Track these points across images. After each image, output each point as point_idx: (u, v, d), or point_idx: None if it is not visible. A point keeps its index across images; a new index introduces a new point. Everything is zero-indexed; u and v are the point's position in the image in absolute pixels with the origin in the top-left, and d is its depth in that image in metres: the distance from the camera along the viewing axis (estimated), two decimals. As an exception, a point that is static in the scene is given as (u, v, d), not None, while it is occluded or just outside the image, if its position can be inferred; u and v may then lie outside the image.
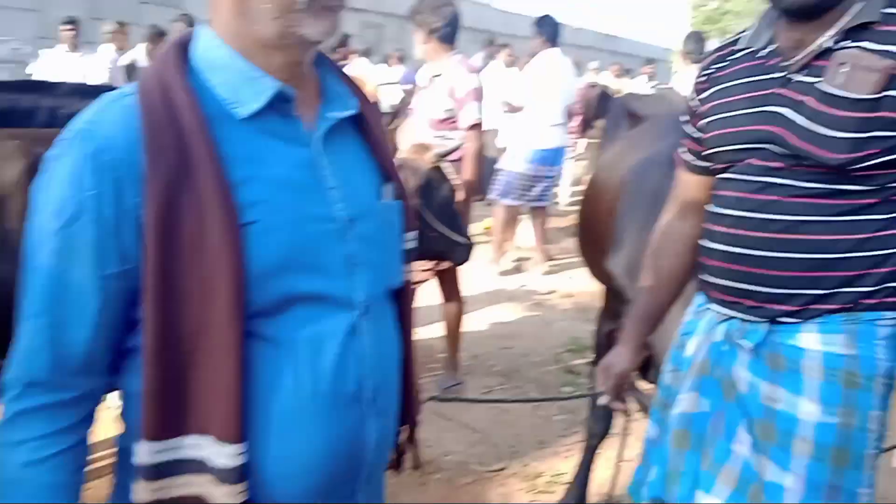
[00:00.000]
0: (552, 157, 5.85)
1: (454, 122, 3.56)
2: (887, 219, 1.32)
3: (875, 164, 1.27)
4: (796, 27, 1.34)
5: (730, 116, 1.42)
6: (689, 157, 1.61)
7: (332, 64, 1.09)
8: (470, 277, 4.93)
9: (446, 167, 3.50)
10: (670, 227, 1.67)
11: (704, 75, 1.54)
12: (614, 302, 2.48)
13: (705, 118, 1.49)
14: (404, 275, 1.16)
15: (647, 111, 3.21)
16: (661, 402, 1.60)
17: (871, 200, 1.31)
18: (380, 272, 1.06)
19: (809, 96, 1.30)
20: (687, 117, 1.61)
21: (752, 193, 1.38)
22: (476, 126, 3.54)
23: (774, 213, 1.35)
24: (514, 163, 5.76)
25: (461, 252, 3.09)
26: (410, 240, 1.18)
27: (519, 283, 5.74)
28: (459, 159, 3.53)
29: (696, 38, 5.76)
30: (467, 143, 3.52)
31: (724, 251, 1.43)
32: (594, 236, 2.81)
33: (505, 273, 5.88)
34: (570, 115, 6.09)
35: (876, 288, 1.32)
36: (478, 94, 3.55)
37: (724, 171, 1.47)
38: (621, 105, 3.56)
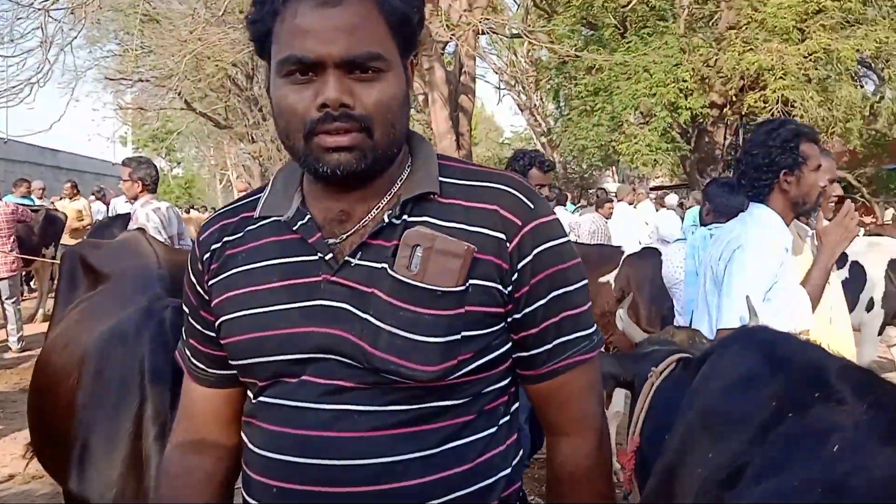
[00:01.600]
0: None
1: None
2: (488, 436, 1.06)
3: (469, 370, 1.02)
4: (335, 194, 1.04)
5: (262, 313, 1.03)
6: (199, 364, 1.17)
7: None
8: None
9: None
10: (180, 466, 1.18)
11: (210, 251, 1.12)
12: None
13: (222, 315, 1.08)
14: None
15: (110, 266, 2.70)
16: None
17: (470, 417, 1.04)
18: None
19: (376, 287, 1.00)
20: (186, 308, 1.17)
21: (317, 430, 1.00)
22: None
23: (355, 457, 0.99)
24: None
25: None
26: None
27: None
28: None
29: (151, 166, 5.06)
30: None
31: None
32: (53, 437, 2.15)
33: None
34: None
35: None
36: None
37: (263, 390, 1.06)
38: (76, 256, 2.95)
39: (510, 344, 1.08)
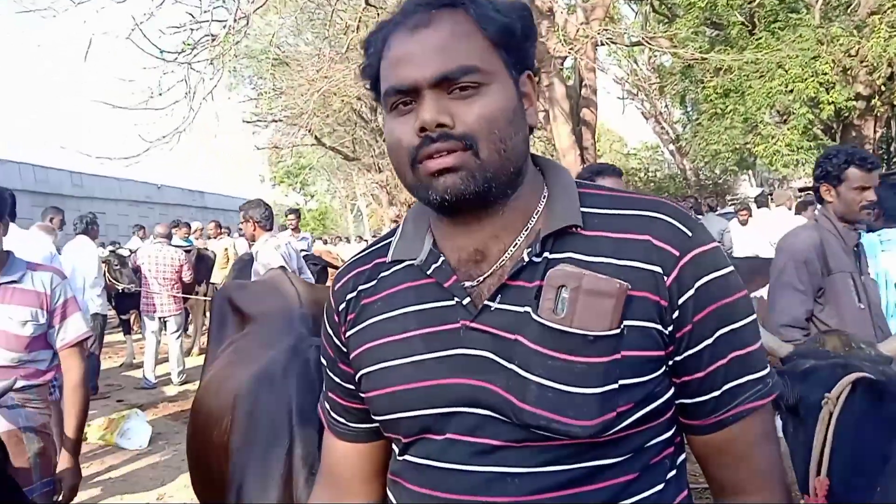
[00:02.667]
0: None
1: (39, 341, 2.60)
2: (655, 494, 0.94)
3: (630, 422, 0.90)
4: (466, 232, 0.97)
5: (401, 365, 0.97)
6: (339, 418, 1.13)
7: None
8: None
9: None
10: None
11: (346, 301, 1.06)
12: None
13: (361, 368, 1.02)
14: None
15: (255, 307, 2.80)
16: None
17: (634, 475, 0.93)
18: None
19: (520, 334, 0.90)
20: (325, 360, 1.13)
21: (467, 494, 0.92)
22: (81, 343, 2.67)
23: None
24: None
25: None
26: None
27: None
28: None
29: (262, 205, 5.16)
30: (67, 369, 2.62)
31: None
32: (209, 477, 2.23)
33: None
34: None
35: None
36: (76, 303, 2.70)
37: (408, 448, 1.00)
38: (224, 298, 3.08)
39: (673, 390, 0.96)
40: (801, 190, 15.21)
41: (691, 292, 0.92)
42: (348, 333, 1.05)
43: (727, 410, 0.95)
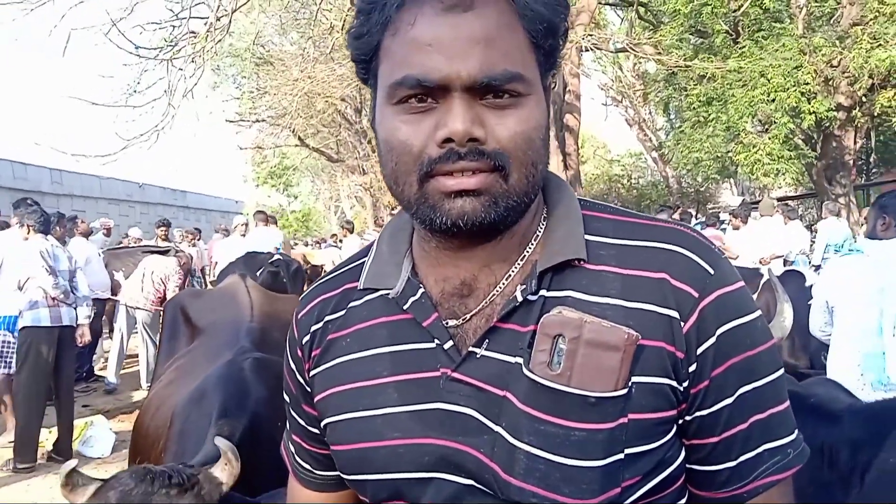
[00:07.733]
0: None
1: None
2: None
3: (637, 497, 0.77)
4: (454, 260, 0.83)
5: (369, 417, 0.83)
6: (304, 464, 1.00)
7: None
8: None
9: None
10: None
11: (310, 333, 0.92)
12: None
13: (326, 416, 0.89)
14: None
15: (205, 318, 2.68)
16: None
17: None
18: None
19: (510, 390, 0.76)
20: (287, 397, 0.99)
21: None
22: None
23: None
24: None
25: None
26: None
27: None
28: None
29: (38, 210, 5.44)
30: None
31: None
32: None
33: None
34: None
35: None
36: None
37: None
38: (177, 307, 2.96)
39: (684, 453, 0.82)
40: (779, 200, 15.25)
41: (712, 341, 0.78)
42: (313, 372, 0.91)
43: (744, 484, 0.81)
